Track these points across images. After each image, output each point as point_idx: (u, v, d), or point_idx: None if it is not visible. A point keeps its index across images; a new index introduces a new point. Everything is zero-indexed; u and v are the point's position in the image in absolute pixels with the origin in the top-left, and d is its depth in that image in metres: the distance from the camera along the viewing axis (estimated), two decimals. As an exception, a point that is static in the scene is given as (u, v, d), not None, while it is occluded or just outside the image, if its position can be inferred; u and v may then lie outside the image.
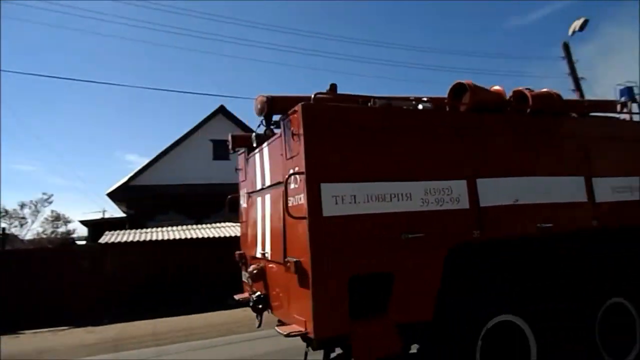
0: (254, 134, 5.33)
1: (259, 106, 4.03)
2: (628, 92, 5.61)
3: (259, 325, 5.31)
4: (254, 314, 5.06)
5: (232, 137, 5.59)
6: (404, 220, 3.72)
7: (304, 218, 3.47)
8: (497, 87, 4.82)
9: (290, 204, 3.70)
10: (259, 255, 4.84)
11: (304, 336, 3.65)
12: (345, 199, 3.55)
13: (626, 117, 5.70)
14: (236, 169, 5.94)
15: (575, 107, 5.33)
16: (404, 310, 3.65)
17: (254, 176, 5.13)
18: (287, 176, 3.59)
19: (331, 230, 3.46)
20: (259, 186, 4.96)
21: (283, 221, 3.98)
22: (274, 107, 3.98)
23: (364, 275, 3.53)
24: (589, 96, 15.51)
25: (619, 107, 5.60)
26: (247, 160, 5.53)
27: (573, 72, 17.00)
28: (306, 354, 4.16)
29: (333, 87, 4.22)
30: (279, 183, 4.10)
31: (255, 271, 4.66)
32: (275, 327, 3.85)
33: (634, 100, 5.62)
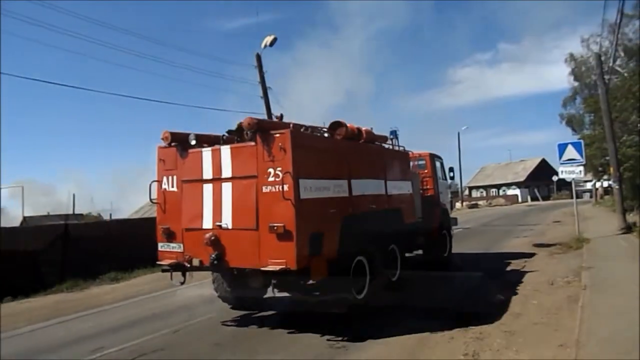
0: (192, 133, 6.89)
1: (249, 124, 5.95)
2: (394, 133, 9.99)
3: (183, 282, 7.03)
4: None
5: (172, 133, 6.91)
6: (328, 201, 6.54)
7: (289, 199, 5.82)
8: (350, 124, 8.10)
9: (268, 190, 5.98)
10: (208, 226, 6.57)
11: (278, 272, 5.94)
12: (308, 188, 6.11)
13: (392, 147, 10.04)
14: (160, 159, 7.18)
15: (372, 138, 9.19)
16: (327, 252, 6.44)
17: (199, 168, 6.75)
18: (284, 173, 5.81)
19: (303, 207, 5.95)
20: (208, 176, 6.66)
21: (256, 201, 6.11)
22: (260, 126, 6.02)
23: (314, 232, 6.15)
24: (274, 104, 19.99)
25: (389, 140, 9.85)
26: (181, 154, 6.97)
27: (263, 81, 19.79)
28: (273, 284, 6.37)
29: (281, 116, 6.55)
30: (252, 176, 6.18)
31: (213, 237, 6.41)
32: (262, 268, 5.95)
33: (396, 137, 10.01)
